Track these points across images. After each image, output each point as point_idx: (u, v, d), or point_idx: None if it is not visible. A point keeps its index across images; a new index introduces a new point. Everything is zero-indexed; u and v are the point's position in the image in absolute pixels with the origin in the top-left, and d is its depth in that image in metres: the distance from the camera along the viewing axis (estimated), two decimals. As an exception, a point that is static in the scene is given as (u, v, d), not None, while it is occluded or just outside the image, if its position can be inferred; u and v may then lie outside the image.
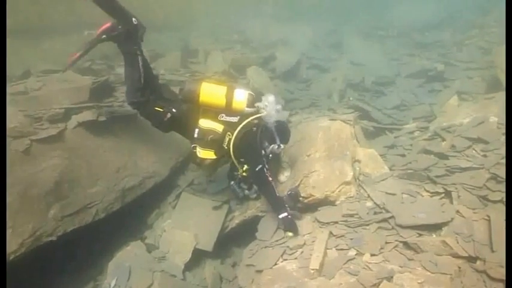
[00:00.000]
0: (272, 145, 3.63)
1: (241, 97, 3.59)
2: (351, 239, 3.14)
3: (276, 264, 3.12)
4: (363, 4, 11.40)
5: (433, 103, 5.92)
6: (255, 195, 3.96)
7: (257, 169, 3.49)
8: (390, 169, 4.10)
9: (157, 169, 4.32)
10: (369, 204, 3.56)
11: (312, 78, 7.49)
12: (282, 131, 3.73)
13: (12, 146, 3.24)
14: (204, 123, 3.59)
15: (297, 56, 7.76)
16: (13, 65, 4.50)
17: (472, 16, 9.52)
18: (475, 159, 3.81)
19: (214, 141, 3.57)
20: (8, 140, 3.21)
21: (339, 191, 3.71)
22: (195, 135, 3.58)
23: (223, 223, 4.06)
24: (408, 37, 9.12)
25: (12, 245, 2.93)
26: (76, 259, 3.76)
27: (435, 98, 6.14)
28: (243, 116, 3.63)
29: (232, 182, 3.97)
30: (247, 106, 3.62)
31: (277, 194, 3.50)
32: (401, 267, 2.73)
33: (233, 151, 3.59)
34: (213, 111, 3.63)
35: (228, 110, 3.61)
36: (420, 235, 3.01)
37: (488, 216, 2.95)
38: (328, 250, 3.08)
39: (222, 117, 3.62)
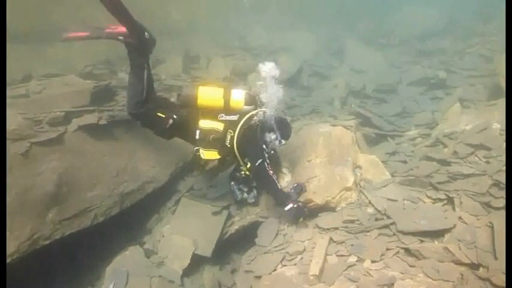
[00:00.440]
0: (273, 141, 3.66)
1: (238, 96, 3.64)
2: (352, 245, 3.10)
3: (275, 270, 3.08)
4: (364, 12, 11.47)
5: (435, 110, 5.92)
6: (253, 200, 3.95)
7: (257, 163, 3.49)
8: (392, 175, 4.07)
9: (157, 174, 4.30)
10: (370, 210, 3.53)
11: (313, 86, 7.51)
12: (283, 127, 3.75)
13: (12, 149, 3.22)
14: (204, 123, 3.61)
15: (299, 63, 7.79)
16: (15, 69, 4.53)
17: (473, 24, 9.58)
18: (477, 166, 3.78)
19: (216, 140, 3.58)
20: (7, 142, 3.20)
21: (339, 197, 3.68)
22: (197, 137, 3.59)
23: (222, 229, 4.02)
24: (409, 45, 9.17)
25: (9, 248, 2.90)
26: (74, 263, 3.72)
27: (437, 106, 6.15)
28: (242, 114, 3.65)
29: (232, 183, 3.98)
30: (246, 104, 3.67)
31: (280, 187, 3.50)
32: (402, 274, 2.68)
33: (237, 148, 3.60)
34: (212, 113, 3.65)
35: (227, 110, 3.64)
36: (422, 241, 2.97)
37: (491, 223, 2.91)
38: (328, 256, 3.04)
39: (222, 117, 3.64)
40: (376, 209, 3.50)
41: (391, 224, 3.23)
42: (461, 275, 2.58)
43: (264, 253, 3.36)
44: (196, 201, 4.27)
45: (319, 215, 3.60)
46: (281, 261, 3.15)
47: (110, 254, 3.85)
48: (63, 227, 3.34)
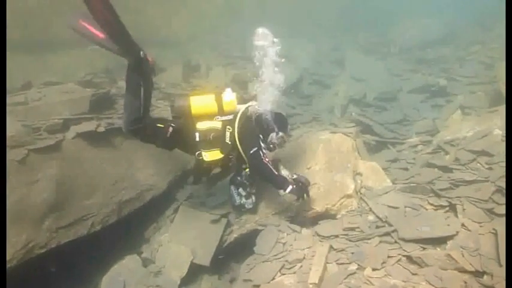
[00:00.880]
0: (271, 133, 3.64)
1: (230, 97, 3.63)
2: (352, 253, 3.04)
3: (273, 279, 3.01)
4: (364, 21, 11.53)
5: (436, 118, 5.89)
6: (250, 206, 3.90)
7: (252, 151, 3.47)
8: (393, 182, 4.02)
9: (156, 182, 4.27)
10: (371, 217, 3.47)
11: (313, 94, 7.50)
12: (279, 120, 3.74)
13: (9, 156, 3.21)
14: (202, 125, 3.60)
15: (299, 72, 7.79)
16: (16, 77, 4.56)
17: (473, 32, 9.60)
18: (479, 172, 3.72)
19: (216, 138, 3.57)
20: (4, 149, 3.19)
21: (339, 204, 3.63)
22: (197, 139, 3.57)
23: (221, 237, 3.96)
24: (410, 53, 9.15)
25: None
26: (70, 272, 3.66)
27: (438, 113, 6.11)
28: (237, 112, 3.67)
29: (232, 186, 3.95)
30: (239, 103, 3.69)
31: (276, 173, 3.50)
32: (404, 282, 2.62)
33: (240, 143, 3.57)
34: (208, 117, 3.63)
35: (222, 112, 3.62)
36: (424, 249, 2.91)
37: (495, 230, 2.84)
38: (328, 264, 2.98)
39: (218, 118, 3.63)
40: (377, 216, 3.44)
41: (393, 231, 3.16)
42: (465, 282, 2.52)
43: (263, 261, 3.29)
44: (195, 209, 4.22)
45: (319, 222, 3.55)
46: (280, 270, 3.08)
47: (107, 262, 3.80)
48: (60, 235, 3.31)
